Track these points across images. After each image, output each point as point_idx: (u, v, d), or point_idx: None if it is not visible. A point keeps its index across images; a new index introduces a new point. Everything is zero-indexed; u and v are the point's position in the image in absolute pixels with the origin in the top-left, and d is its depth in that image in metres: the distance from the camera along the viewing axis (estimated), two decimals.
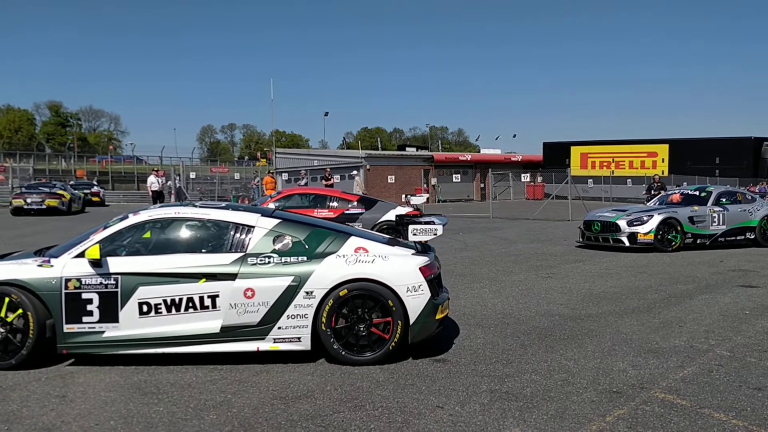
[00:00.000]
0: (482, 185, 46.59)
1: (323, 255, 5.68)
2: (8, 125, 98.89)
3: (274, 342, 5.57)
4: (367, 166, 40.04)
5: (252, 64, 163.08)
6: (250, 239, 5.77)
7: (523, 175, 35.18)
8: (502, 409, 4.50)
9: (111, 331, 5.55)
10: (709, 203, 14.78)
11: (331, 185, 31.05)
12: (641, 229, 14.03)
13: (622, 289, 9.33)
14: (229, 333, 5.56)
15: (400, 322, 5.54)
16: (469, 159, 48.55)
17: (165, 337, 5.56)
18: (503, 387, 4.99)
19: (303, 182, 33.33)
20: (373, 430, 4.13)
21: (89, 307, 5.52)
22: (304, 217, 6.83)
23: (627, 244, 14.11)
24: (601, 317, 7.50)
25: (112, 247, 5.74)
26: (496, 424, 4.24)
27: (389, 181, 40.69)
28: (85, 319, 5.53)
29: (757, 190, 35.64)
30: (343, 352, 5.50)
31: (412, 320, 5.57)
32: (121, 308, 5.54)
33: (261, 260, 5.65)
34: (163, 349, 5.58)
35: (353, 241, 5.86)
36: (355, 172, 32.86)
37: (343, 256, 5.68)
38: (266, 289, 5.55)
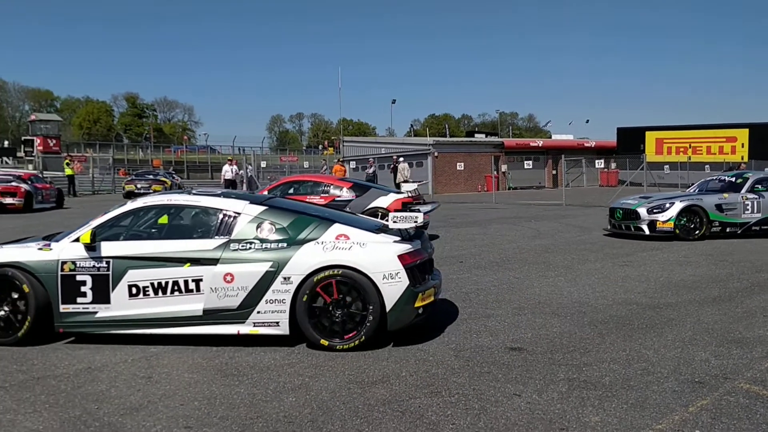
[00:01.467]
0: (554, 172, 45.70)
1: (303, 242, 5.80)
2: (87, 116, 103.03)
3: (254, 326, 5.76)
4: (436, 154, 39.86)
5: (320, 52, 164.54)
6: (234, 225, 5.96)
7: (596, 161, 34.39)
8: (581, 398, 4.46)
9: (103, 312, 5.90)
10: (743, 190, 14.00)
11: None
12: (661, 217, 13.53)
13: (701, 278, 9.04)
14: (210, 316, 5.79)
15: (376, 309, 5.58)
16: (540, 145, 47.66)
17: (152, 319, 5.85)
18: (581, 376, 4.93)
19: (371, 170, 33.53)
20: (450, 417, 4.15)
21: (83, 289, 5.90)
22: (295, 204, 6.91)
23: (647, 232, 13.63)
24: (680, 306, 7.29)
25: (109, 232, 6.10)
26: (574, 412, 4.20)
27: (458, 168, 40.41)
28: (79, 299, 5.91)
29: None
30: (320, 338, 5.61)
31: (388, 308, 5.61)
32: (112, 290, 5.87)
33: (243, 246, 5.83)
34: (151, 329, 5.88)
35: (336, 228, 5.94)
36: (402, 159, 32.63)
37: (322, 243, 5.78)
38: (245, 274, 5.73)
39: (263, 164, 54.26)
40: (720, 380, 4.82)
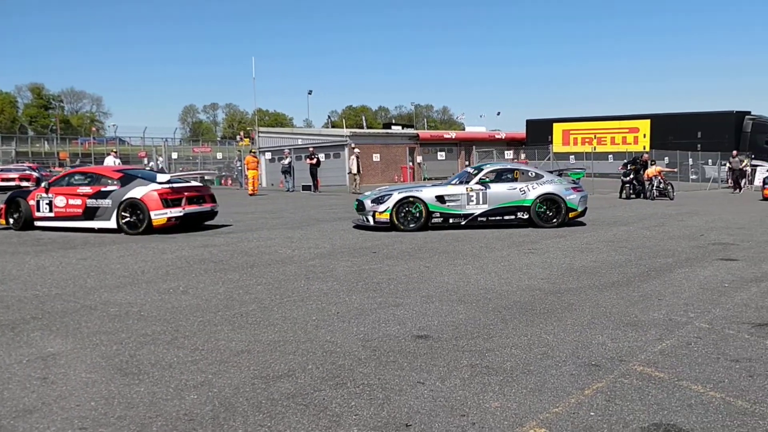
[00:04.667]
0: (467, 163, 46.53)
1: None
2: None
3: None
4: (352, 145, 39.85)
5: (233, 41, 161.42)
6: None
7: (506, 152, 35.29)
8: (482, 384, 4.55)
9: None
10: (472, 182, 14.21)
11: (316, 164, 30.98)
12: (379, 209, 13.70)
13: (601, 264, 9.41)
14: None
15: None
16: (454, 137, 48.53)
17: None
18: (484, 361, 5.03)
19: (287, 161, 33.21)
20: (353, 408, 4.15)
21: None
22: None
23: (371, 223, 13.83)
24: (580, 291, 7.56)
25: None
26: (475, 398, 4.28)
27: (374, 159, 40.56)
28: None
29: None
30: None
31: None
32: None
33: None
34: None
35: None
36: (357, 150, 32.58)
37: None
38: None
39: (175, 155, 52.82)
40: (615, 363, 5.01)
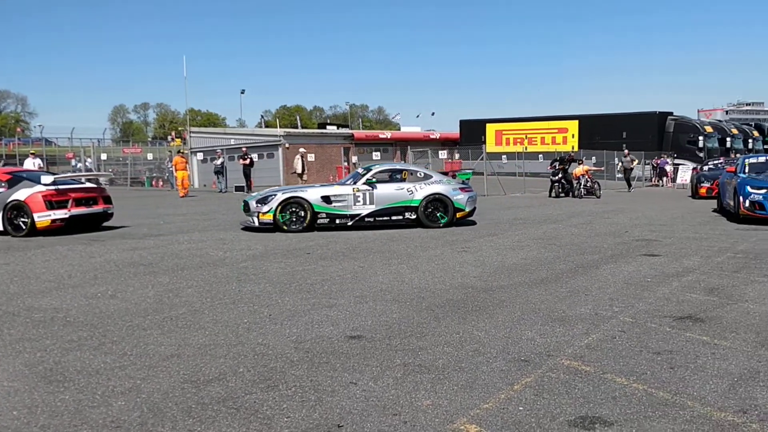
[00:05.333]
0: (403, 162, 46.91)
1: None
2: None
3: None
4: (286, 145, 39.59)
5: (164, 39, 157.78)
6: None
7: (441, 152, 35.67)
8: (415, 382, 4.58)
9: None
10: (359, 182, 14.22)
11: (249, 165, 30.60)
12: (263, 209, 13.65)
13: (532, 261, 9.62)
14: None
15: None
16: (389, 137, 48.81)
17: None
18: (416, 360, 5.07)
19: (219, 161, 32.69)
20: (285, 410, 4.12)
21: None
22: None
23: (256, 224, 13.74)
24: (511, 288, 7.71)
25: None
26: (407, 397, 4.31)
27: (309, 159, 40.32)
28: None
29: (659, 162, 37.39)
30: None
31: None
32: None
33: None
34: None
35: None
36: (303, 149, 32.27)
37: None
38: None
39: (104, 156, 51.29)
40: (544, 357, 5.13)
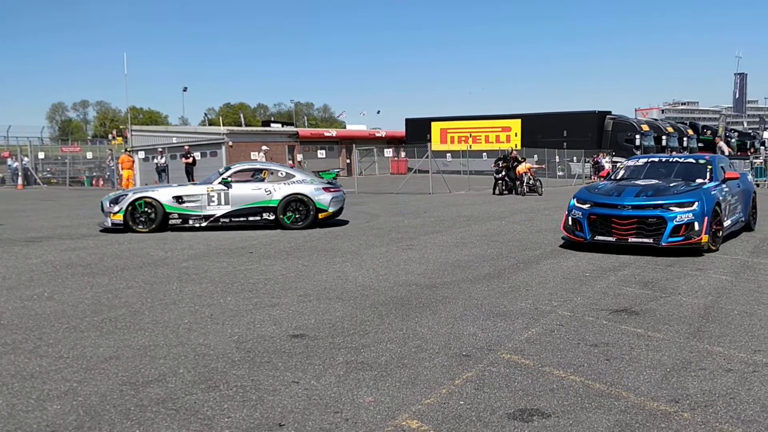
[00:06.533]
0: (348, 161, 46.81)
1: None
2: None
3: None
4: (230, 143, 39.07)
5: (104, 36, 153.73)
6: None
7: (386, 150, 35.75)
8: (357, 380, 4.59)
9: None
10: (215, 182, 13.92)
11: (192, 163, 30.10)
12: (114, 210, 13.39)
13: (475, 257, 9.74)
14: None
15: None
16: (334, 135, 48.60)
17: None
18: (359, 357, 5.09)
19: (162, 160, 32.05)
20: (226, 410, 4.08)
21: None
22: None
23: (109, 224, 13.51)
24: (455, 284, 7.80)
25: None
26: (350, 394, 4.32)
27: (252, 158, 39.92)
28: None
29: (599, 160, 38.31)
30: None
31: None
32: None
33: None
34: None
35: None
36: (265, 147, 31.82)
37: None
38: None
39: (42, 155, 49.73)
40: (485, 352, 5.21)
